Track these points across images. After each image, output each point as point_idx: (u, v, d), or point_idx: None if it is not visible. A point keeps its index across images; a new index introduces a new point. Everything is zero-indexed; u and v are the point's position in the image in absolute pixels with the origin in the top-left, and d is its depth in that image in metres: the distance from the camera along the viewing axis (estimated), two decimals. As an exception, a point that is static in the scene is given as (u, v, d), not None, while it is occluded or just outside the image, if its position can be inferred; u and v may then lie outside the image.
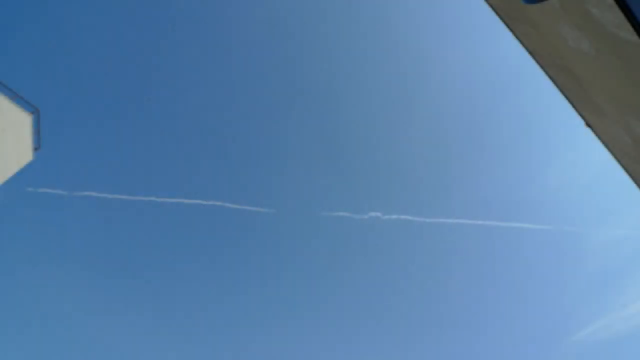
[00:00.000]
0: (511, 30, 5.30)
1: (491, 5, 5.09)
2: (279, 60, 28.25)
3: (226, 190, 27.51)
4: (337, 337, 29.39)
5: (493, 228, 29.51)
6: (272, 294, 28.88)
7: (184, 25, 26.80)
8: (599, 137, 5.80)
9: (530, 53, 5.46)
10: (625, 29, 3.18)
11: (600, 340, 29.19)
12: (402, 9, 28.98)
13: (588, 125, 5.79)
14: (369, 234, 30.60)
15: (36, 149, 13.58)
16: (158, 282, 27.26)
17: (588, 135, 5.80)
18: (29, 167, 13.36)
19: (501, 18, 5.20)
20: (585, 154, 27.24)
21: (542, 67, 5.50)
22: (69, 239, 25.63)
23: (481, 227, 29.41)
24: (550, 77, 5.51)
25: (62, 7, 24.93)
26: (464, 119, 31.28)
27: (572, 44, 4.27)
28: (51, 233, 25.35)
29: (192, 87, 28.05)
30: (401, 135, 31.07)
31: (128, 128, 27.16)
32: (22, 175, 13.28)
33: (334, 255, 30.09)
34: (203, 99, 27.82)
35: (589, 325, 29.07)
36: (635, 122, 4.67)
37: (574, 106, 5.70)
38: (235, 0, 26.95)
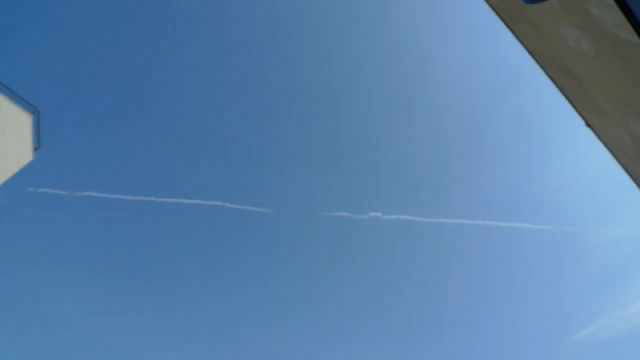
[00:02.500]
0: (511, 30, 5.30)
1: (491, 5, 5.09)
2: (279, 60, 28.26)
3: (226, 190, 27.54)
4: (337, 337, 29.41)
5: (493, 228, 29.53)
6: (272, 293, 28.90)
7: (184, 25, 26.81)
8: (599, 137, 5.80)
9: (530, 53, 5.46)
10: (625, 29, 3.18)
11: (600, 340, 29.20)
12: (402, 9, 29.00)
13: (588, 125, 5.79)
14: (369, 234, 30.63)
15: (36, 149, 13.58)
16: (158, 282, 27.28)
17: (588, 135, 5.80)
18: (29, 167, 13.36)
19: (501, 18, 5.20)
20: (585, 154, 27.26)
21: (542, 67, 5.49)
22: (69, 239, 25.65)
23: (481, 227, 29.42)
24: (550, 77, 5.51)
25: (62, 7, 24.93)
26: (464, 119, 31.30)
27: (572, 44, 4.27)
28: (51, 233, 25.37)
29: (192, 87, 28.06)
30: (401, 136, 31.10)
31: (128, 128, 27.18)
32: (22, 175, 13.29)
33: (334, 255, 30.12)
34: (203, 99, 27.83)
35: (589, 325, 29.08)
36: (635, 122, 4.67)
37: (574, 106, 5.70)
38: (235, 0, 26.97)
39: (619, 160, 5.95)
